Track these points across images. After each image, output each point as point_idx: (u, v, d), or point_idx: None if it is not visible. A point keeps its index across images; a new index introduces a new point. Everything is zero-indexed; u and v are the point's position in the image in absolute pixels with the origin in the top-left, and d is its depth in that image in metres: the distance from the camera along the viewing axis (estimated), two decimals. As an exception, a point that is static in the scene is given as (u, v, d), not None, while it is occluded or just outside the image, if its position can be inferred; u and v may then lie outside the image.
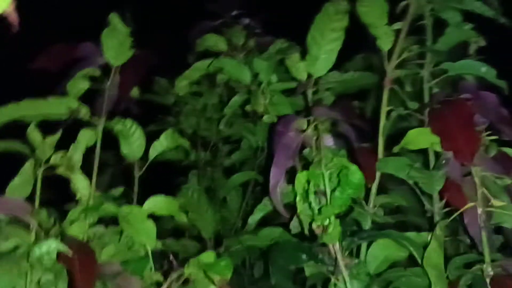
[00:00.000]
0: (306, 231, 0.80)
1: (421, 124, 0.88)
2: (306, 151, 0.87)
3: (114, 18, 0.91)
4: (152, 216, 0.83)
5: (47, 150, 0.81)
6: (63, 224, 0.76)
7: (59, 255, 0.65)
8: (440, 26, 0.97)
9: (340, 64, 0.98)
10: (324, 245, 0.82)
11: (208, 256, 0.78)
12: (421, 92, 0.95)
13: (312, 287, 0.93)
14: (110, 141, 0.95)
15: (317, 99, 0.95)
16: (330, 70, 0.93)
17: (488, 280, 0.74)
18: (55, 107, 0.86)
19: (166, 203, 0.84)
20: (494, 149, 0.79)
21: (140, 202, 0.86)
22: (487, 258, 0.76)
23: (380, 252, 0.83)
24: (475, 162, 0.76)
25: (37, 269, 0.64)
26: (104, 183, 1.28)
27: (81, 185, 0.83)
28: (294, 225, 0.87)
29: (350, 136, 0.87)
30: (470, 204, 0.77)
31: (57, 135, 0.83)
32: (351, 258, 0.82)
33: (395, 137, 0.87)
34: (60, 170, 0.82)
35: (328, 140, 0.88)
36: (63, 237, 0.70)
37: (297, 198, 0.79)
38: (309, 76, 0.92)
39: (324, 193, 0.79)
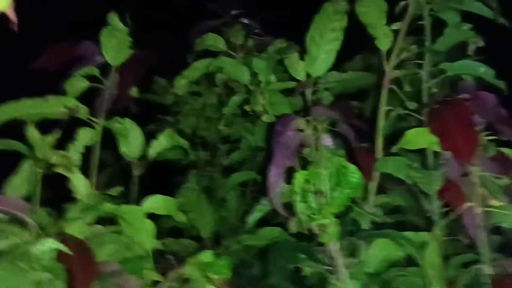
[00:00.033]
0: (305, 231, 0.80)
1: (419, 124, 0.88)
2: (305, 150, 0.87)
3: (113, 18, 0.91)
4: (151, 216, 0.83)
5: (46, 149, 0.81)
6: (62, 223, 0.76)
7: (58, 254, 0.65)
8: (439, 26, 0.97)
9: (339, 64, 0.98)
10: (323, 244, 0.82)
11: (207, 256, 0.78)
12: (420, 92, 0.95)
13: (311, 286, 0.93)
14: (110, 140, 0.95)
15: (316, 99, 0.95)
16: (329, 70, 0.93)
17: (486, 280, 0.75)
18: (54, 106, 0.86)
19: (165, 202, 0.84)
20: (492, 149, 0.79)
21: (140, 202, 0.85)
22: (485, 258, 0.76)
23: (379, 251, 0.83)
24: (474, 162, 0.76)
25: (36, 268, 0.64)
26: (103, 182, 1.28)
27: (80, 184, 0.83)
28: (293, 225, 0.87)
29: (348, 136, 0.87)
30: (468, 204, 0.78)
31: (56, 134, 0.83)
32: (349, 257, 0.82)
33: (394, 137, 0.88)
34: (59, 169, 0.82)
35: (327, 140, 0.88)
36: (62, 236, 0.70)
37: (296, 198, 0.79)
38: (308, 76, 0.93)
39: (323, 193, 0.79)
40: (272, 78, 1.00)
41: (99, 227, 0.82)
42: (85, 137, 0.87)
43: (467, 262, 0.80)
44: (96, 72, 0.93)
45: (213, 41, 1.17)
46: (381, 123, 0.89)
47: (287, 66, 0.95)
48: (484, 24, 0.94)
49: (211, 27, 1.28)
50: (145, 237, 0.79)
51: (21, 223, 0.74)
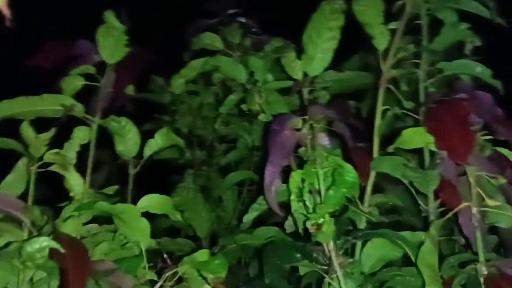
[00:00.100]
0: (301, 230, 0.80)
1: (416, 123, 0.88)
2: (301, 150, 0.87)
3: (109, 16, 0.90)
4: (148, 215, 0.82)
5: (41, 148, 0.80)
6: (57, 222, 0.76)
7: (52, 253, 0.65)
8: (436, 25, 0.97)
9: (337, 63, 0.98)
10: (319, 244, 0.82)
11: (202, 255, 0.78)
12: (417, 91, 0.95)
13: (307, 286, 0.93)
14: (107, 138, 0.95)
15: (313, 98, 0.94)
16: (327, 69, 0.93)
17: (482, 280, 0.74)
18: (50, 104, 0.86)
19: (161, 201, 0.83)
20: (489, 149, 0.79)
21: (136, 201, 0.85)
22: (481, 257, 0.76)
23: (375, 251, 0.83)
24: (470, 162, 0.76)
25: (29, 266, 0.64)
26: (100, 181, 1.28)
27: (75, 183, 0.83)
28: (289, 224, 0.87)
29: (345, 135, 0.87)
30: (464, 204, 0.77)
31: (51, 132, 0.83)
32: (345, 257, 0.81)
33: (391, 137, 0.87)
34: (54, 168, 0.82)
35: (324, 139, 0.88)
36: (56, 234, 0.70)
37: (292, 197, 0.79)
38: (305, 75, 0.92)
39: (319, 192, 0.79)
40: (269, 77, 1.00)
41: (94, 225, 0.82)
42: (81, 135, 0.87)
43: (463, 262, 0.79)
44: (92, 70, 0.92)
45: (210, 40, 1.16)
46: (378, 123, 0.89)
47: (284, 65, 0.95)
48: (481, 23, 0.94)
49: (208, 25, 1.28)
50: (141, 236, 0.79)
51: (16, 222, 0.74)
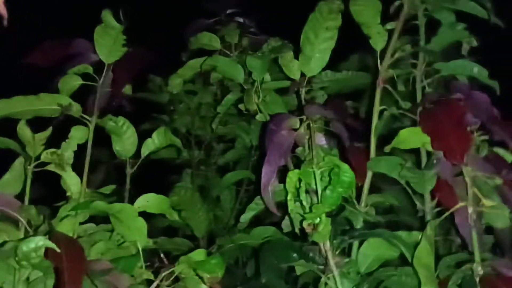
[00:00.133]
0: (297, 230, 0.80)
1: (414, 124, 0.88)
2: (298, 149, 0.87)
3: (107, 15, 0.90)
4: (146, 215, 0.82)
5: (37, 147, 0.80)
6: (53, 221, 0.76)
7: (47, 252, 0.65)
8: (433, 26, 0.97)
9: (336, 64, 0.98)
10: (316, 244, 0.82)
11: (199, 254, 0.78)
12: (414, 91, 0.95)
13: (304, 286, 0.93)
14: (106, 138, 0.95)
15: (310, 98, 0.95)
16: (325, 69, 0.93)
17: (477, 280, 0.74)
18: (47, 104, 0.86)
19: (158, 201, 0.83)
20: (485, 149, 0.79)
21: (134, 200, 0.85)
22: (477, 257, 0.76)
23: (371, 251, 0.83)
24: (466, 162, 0.76)
25: (25, 266, 0.64)
26: (98, 180, 1.28)
27: (72, 182, 0.83)
28: (286, 224, 0.87)
29: (342, 135, 0.87)
30: (461, 204, 0.77)
31: (47, 132, 0.83)
32: (342, 257, 0.81)
33: (388, 137, 0.87)
34: (51, 167, 0.82)
35: (321, 139, 0.88)
36: (52, 234, 0.70)
37: (288, 197, 0.79)
38: (303, 75, 0.92)
39: (315, 192, 0.79)
40: (267, 77, 1.00)
41: (91, 225, 0.82)
42: (78, 135, 0.87)
43: (459, 262, 0.79)
44: (89, 70, 0.92)
45: (208, 39, 1.16)
46: (375, 123, 0.89)
47: (281, 65, 0.95)
48: (478, 24, 0.94)
49: (206, 25, 1.28)
50: (137, 235, 0.79)
51: (12, 221, 0.74)
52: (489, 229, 0.82)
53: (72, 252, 0.64)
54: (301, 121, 0.85)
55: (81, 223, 0.83)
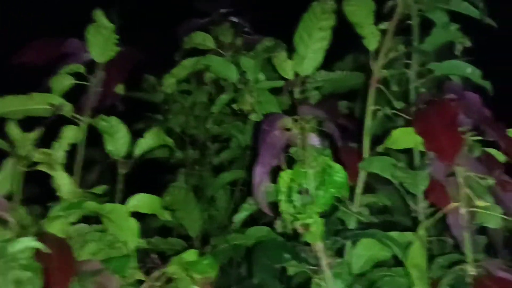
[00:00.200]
0: (289, 230, 0.80)
1: (407, 124, 0.88)
2: (291, 150, 0.86)
3: (99, 15, 0.90)
4: (139, 215, 0.82)
5: (28, 147, 0.80)
6: (43, 222, 0.75)
7: (36, 253, 0.65)
8: (427, 26, 0.97)
9: (331, 63, 0.97)
10: (309, 244, 0.82)
11: (191, 255, 0.78)
12: (408, 92, 0.95)
13: (298, 286, 0.93)
14: (99, 138, 0.94)
15: (303, 98, 0.94)
16: (319, 69, 0.93)
17: (469, 280, 0.74)
18: (39, 103, 0.86)
19: (149, 201, 0.83)
20: (478, 150, 0.79)
21: (125, 201, 0.85)
22: (469, 258, 0.76)
23: (364, 251, 0.83)
24: (459, 163, 0.76)
25: (13, 266, 0.64)
26: (91, 180, 1.27)
27: (63, 183, 0.83)
28: (279, 224, 0.86)
29: (334, 135, 0.87)
30: (453, 204, 0.77)
31: (38, 132, 0.82)
32: (334, 257, 0.81)
33: (381, 137, 0.87)
34: (42, 167, 0.82)
35: (314, 139, 0.88)
36: (41, 234, 0.69)
37: (281, 197, 0.79)
38: (296, 75, 0.92)
39: (308, 192, 0.79)
40: (261, 76, 1.00)
41: (82, 225, 0.82)
42: (69, 135, 0.87)
43: (452, 262, 0.79)
44: (81, 69, 0.92)
45: (202, 39, 1.16)
46: (368, 123, 0.89)
47: (275, 65, 0.95)
48: (472, 24, 0.94)
49: (200, 25, 1.28)
50: (129, 235, 0.79)
51: (2, 221, 0.74)
52: (483, 230, 0.82)
53: (60, 252, 0.64)
54: (295, 121, 0.85)
55: (73, 224, 0.82)
